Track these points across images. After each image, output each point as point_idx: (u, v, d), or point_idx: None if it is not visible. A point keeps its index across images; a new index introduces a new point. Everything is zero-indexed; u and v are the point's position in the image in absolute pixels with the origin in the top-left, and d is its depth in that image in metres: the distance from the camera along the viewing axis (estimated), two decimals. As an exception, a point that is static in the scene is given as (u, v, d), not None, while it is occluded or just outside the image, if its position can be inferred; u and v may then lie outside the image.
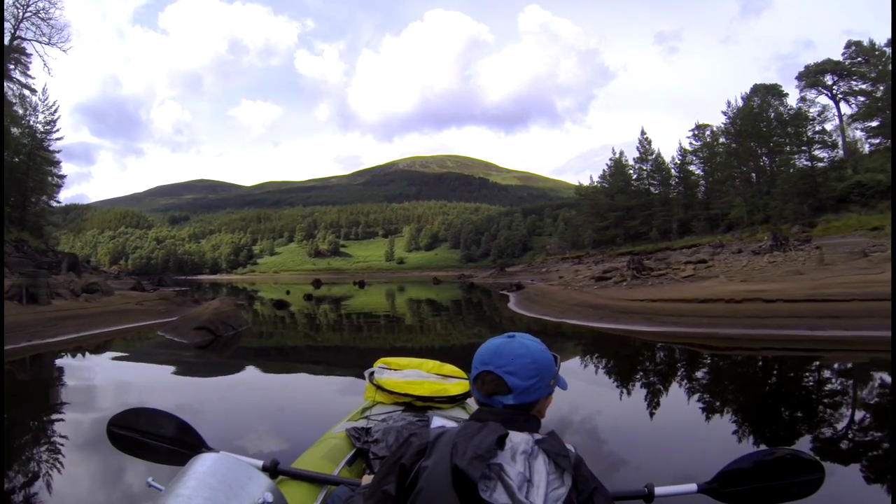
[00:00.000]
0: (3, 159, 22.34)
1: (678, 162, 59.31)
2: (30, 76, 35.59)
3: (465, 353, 1.66)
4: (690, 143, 58.13)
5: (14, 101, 34.43)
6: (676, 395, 6.45)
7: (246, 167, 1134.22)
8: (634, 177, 63.27)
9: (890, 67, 36.23)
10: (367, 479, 1.54)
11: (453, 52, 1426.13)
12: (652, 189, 61.34)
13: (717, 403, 6.16)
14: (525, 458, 1.09)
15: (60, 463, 4.16)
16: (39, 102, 36.79)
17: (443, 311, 23.08)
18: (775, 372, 8.03)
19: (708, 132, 56.41)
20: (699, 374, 8.00)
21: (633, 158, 63.09)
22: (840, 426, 4.93)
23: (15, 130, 34.52)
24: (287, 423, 5.38)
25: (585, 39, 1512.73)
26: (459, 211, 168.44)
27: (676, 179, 59.87)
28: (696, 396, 6.52)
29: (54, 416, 5.69)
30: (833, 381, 7.15)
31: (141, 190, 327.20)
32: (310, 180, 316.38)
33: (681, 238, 49.05)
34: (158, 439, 1.81)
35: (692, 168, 58.62)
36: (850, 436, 4.64)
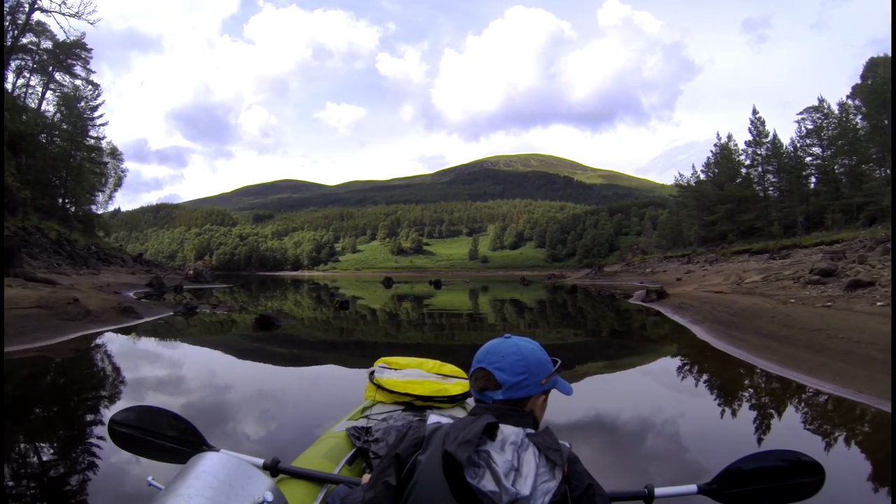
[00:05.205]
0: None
1: (798, 145, 51.52)
2: (91, 69, 35.59)
3: (466, 354, 1.49)
4: (812, 123, 50.11)
5: (71, 92, 34.42)
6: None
7: (331, 167, 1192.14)
8: (747, 163, 55.95)
9: None
10: (366, 478, 1.49)
11: (536, 50, 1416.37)
12: (770, 177, 53.73)
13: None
14: (514, 448, 1.10)
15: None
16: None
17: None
18: None
19: (836, 107, 48.21)
20: None
21: (745, 142, 55.93)
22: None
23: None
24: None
25: (669, 33, 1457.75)
26: (545, 210, 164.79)
27: (791, 166, 51.65)
28: None
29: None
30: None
31: (229, 190, 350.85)
32: (393, 179, 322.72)
33: (807, 234, 41.66)
34: (160, 437, 1.79)
35: (815, 150, 50.56)
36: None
